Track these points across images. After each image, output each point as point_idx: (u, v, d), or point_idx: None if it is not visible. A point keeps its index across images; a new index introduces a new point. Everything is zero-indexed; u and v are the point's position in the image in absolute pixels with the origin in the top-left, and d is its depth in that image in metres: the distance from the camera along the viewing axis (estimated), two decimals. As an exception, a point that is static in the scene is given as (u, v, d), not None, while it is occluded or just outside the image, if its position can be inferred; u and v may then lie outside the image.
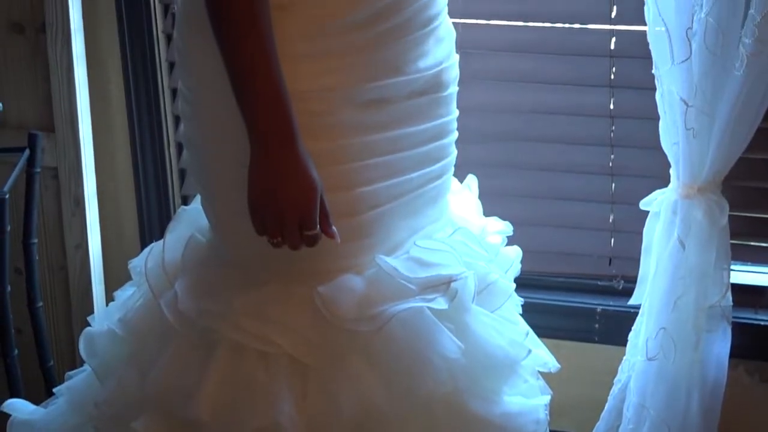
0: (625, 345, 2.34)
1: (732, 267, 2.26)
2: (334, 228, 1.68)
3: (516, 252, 2.02)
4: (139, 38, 2.61)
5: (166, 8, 2.64)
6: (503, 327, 1.84)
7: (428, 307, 1.74)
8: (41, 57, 2.59)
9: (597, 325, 2.51)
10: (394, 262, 1.78)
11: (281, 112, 1.62)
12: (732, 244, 2.25)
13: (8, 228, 2.32)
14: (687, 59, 2.11)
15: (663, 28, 2.12)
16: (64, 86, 2.57)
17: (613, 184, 2.47)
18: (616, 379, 2.35)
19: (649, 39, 2.16)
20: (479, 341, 1.79)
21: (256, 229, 1.66)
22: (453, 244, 1.85)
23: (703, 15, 2.09)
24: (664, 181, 2.27)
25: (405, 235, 1.83)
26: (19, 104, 2.63)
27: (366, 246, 1.78)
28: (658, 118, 2.22)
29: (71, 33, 2.55)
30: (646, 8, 2.14)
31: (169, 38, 2.65)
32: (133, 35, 2.61)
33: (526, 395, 1.89)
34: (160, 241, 1.94)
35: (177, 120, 2.66)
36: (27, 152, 2.41)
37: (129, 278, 2.03)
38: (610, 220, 2.49)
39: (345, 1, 1.69)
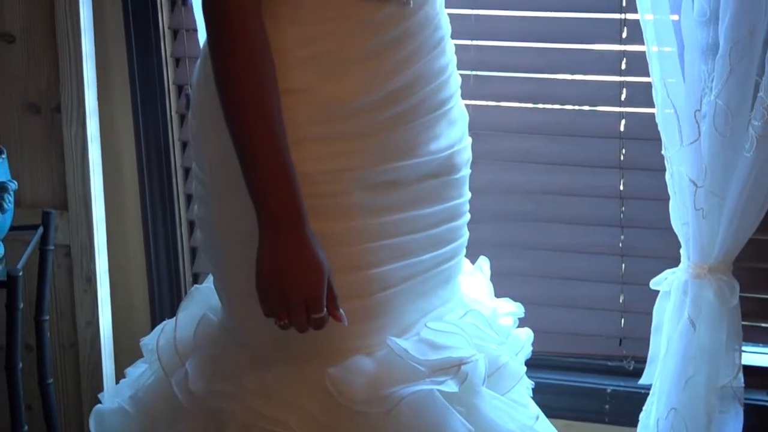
0: (636, 425, 2.33)
1: (743, 348, 2.26)
2: (341, 311, 1.67)
3: (527, 334, 2.01)
4: (152, 119, 2.64)
5: (180, 89, 2.67)
6: (513, 410, 1.83)
7: (438, 390, 1.73)
8: (56, 137, 2.61)
9: (607, 406, 2.49)
10: (404, 343, 1.77)
11: (289, 195, 1.63)
12: (743, 325, 2.25)
13: (21, 305, 2.32)
14: (696, 141, 2.13)
15: (672, 110, 2.14)
16: (78, 166, 2.59)
17: (624, 265, 2.47)
18: (627, 460, 2.34)
19: (658, 121, 2.18)
20: (489, 425, 1.78)
21: (264, 310, 1.67)
22: (464, 326, 1.84)
23: (712, 97, 2.11)
24: (675, 262, 2.27)
25: (416, 317, 1.82)
26: (33, 183, 2.65)
27: (377, 327, 1.78)
28: (668, 199, 2.23)
29: (86, 114, 2.57)
30: (654, 91, 2.16)
31: (182, 118, 2.68)
32: (147, 116, 2.64)
33: (536, 479, 1.87)
34: (172, 319, 1.95)
35: (189, 199, 2.68)
36: (40, 230, 2.43)
37: (139, 356, 2.03)
38: (621, 301, 2.49)
39: (356, 85, 1.70)
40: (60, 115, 2.59)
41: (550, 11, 2.44)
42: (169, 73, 2.64)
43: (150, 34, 2.61)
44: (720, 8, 2.08)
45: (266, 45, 1.62)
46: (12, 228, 2.39)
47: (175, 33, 2.66)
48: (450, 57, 1.84)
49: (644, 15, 2.12)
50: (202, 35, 2.46)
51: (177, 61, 2.67)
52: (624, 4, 2.35)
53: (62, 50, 2.56)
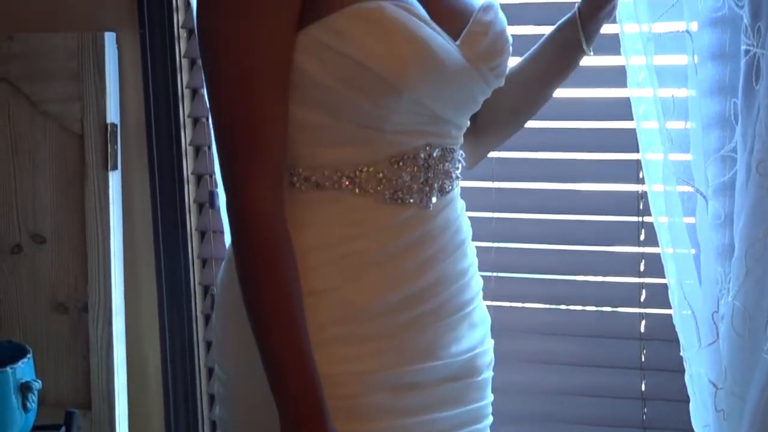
0: None
1: None
2: None
3: None
4: (178, 319, 2.67)
5: (206, 290, 2.71)
6: None
7: None
8: (82, 336, 2.64)
9: None
10: None
11: (311, 396, 1.62)
12: None
13: (39, 504, 2.31)
14: (714, 342, 2.13)
15: (689, 312, 2.15)
16: (102, 365, 2.61)
17: (648, 467, 2.45)
18: None
19: (675, 322, 2.18)
20: None
21: None
22: None
23: (730, 299, 2.12)
24: (698, 464, 2.25)
25: None
26: (57, 381, 2.66)
27: None
28: (689, 400, 2.22)
29: (112, 313, 2.61)
30: (670, 292, 2.17)
31: (207, 318, 2.70)
32: (173, 316, 2.67)
33: None
34: None
35: (212, 399, 2.69)
36: (63, 430, 2.43)
37: None
38: (646, 504, 2.46)
39: (377, 287, 1.71)
40: (87, 315, 2.62)
41: (569, 214, 2.49)
42: (195, 274, 2.68)
43: (178, 236, 2.67)
44: (734, 211, 2.12)
45: (289, 248, 1.64)
46: (35, 428, 2.39)
47: (202, 234, 2.72)
48: (471, 259, 1.86)
49: (658, 218, 2.16)
50: (228, 237, 2.52)
51: (204, 262, 2.71)
52: (641, 207, 2.40)
53: (91, 251, 2.61)
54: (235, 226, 1.65)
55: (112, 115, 2.61)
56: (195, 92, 2.69)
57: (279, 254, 1.63)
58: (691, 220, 2.15)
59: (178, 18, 2.63)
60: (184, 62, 2.66)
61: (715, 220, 2.15)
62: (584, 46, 1.85)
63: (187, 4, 2.63)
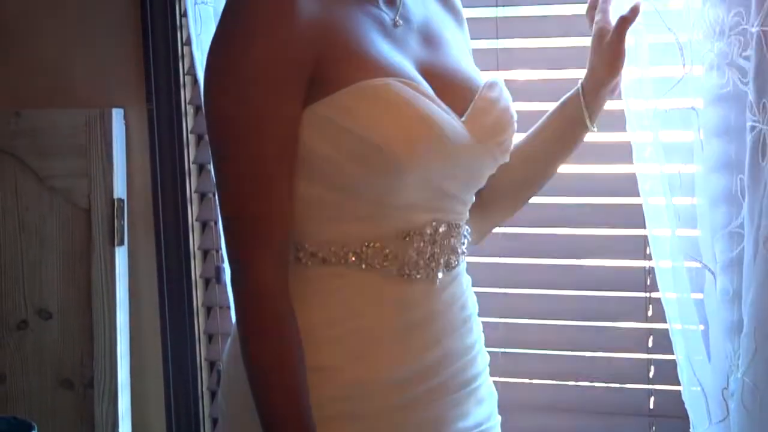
0: None
1: None
2: None
3: None
4: (184, 395, 2.66)
5: (212, 365, 2.70)
6: None
7: None
8: (87, 412, 2.63)
9: None
10: None
11: None
12: None
13: None
14: (725, 419, 2.12)
15: (698, 388, 2.14)
16: (108, 442, 2.61)
17: None
18: None
19: (685, 399, 2.17)
20: None
21: None
22: None
23: (739, 375, 2.11)
24: None
25: None
26: (63, 459, 2.66)
27: None
28: (701, 477, 2.20)
29: (118, 389, 2.60)
30: (679, 368, 2.16)
31: (213, 395, 2.69)
32: (178, 392, 2.66)
33: None
34: None
35: (217, 477, 2.67)
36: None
37: None
38: None
39: (383, 363, 1.70)
40: (92, 391, 2.61)
41: (576, 290, 2.49)
42: (201, 349, 2.68)
43: (184, 311, 2.67)
44: (743, 287, 2.11)
45: (293, 324, 1.63)
46: (37, 503, 2.38)
47: (208, 310, 2.71)
48: (477, 335, 1.85)
49: (666, 293, 2.15)
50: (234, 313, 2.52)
51: (210, 338, 2.71)
52: (648, 283, 2.39)
53: (97, 327, 2.61)
54: (239, 302, 1.65)
55: (119, 190, 2.62)
56: (202, 168, 2.70)
57: (283, 331, 1.62)
58: (699, 296, 2.15)
59: (186, 94, 2.65)
60: (191, 138, 2.67)
61: (724, 296, 2.14)
62: (587, 122, 1.86)
63: (194, 80, 2.66)
